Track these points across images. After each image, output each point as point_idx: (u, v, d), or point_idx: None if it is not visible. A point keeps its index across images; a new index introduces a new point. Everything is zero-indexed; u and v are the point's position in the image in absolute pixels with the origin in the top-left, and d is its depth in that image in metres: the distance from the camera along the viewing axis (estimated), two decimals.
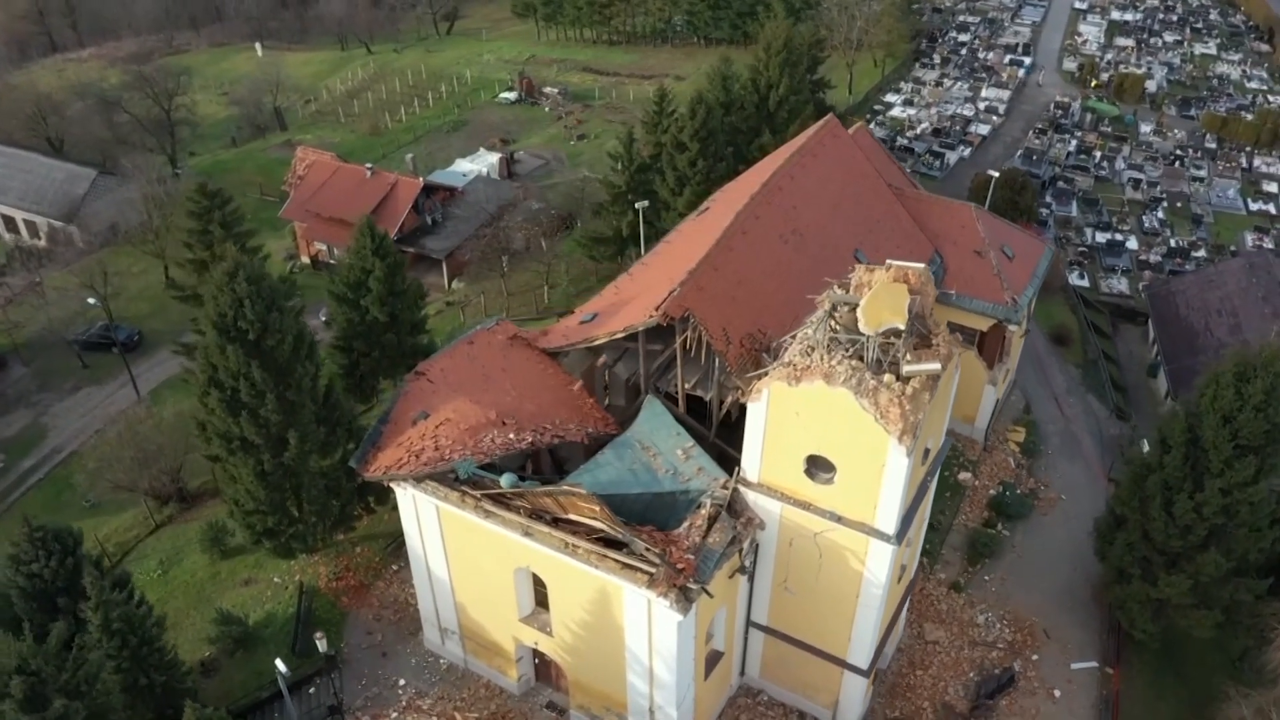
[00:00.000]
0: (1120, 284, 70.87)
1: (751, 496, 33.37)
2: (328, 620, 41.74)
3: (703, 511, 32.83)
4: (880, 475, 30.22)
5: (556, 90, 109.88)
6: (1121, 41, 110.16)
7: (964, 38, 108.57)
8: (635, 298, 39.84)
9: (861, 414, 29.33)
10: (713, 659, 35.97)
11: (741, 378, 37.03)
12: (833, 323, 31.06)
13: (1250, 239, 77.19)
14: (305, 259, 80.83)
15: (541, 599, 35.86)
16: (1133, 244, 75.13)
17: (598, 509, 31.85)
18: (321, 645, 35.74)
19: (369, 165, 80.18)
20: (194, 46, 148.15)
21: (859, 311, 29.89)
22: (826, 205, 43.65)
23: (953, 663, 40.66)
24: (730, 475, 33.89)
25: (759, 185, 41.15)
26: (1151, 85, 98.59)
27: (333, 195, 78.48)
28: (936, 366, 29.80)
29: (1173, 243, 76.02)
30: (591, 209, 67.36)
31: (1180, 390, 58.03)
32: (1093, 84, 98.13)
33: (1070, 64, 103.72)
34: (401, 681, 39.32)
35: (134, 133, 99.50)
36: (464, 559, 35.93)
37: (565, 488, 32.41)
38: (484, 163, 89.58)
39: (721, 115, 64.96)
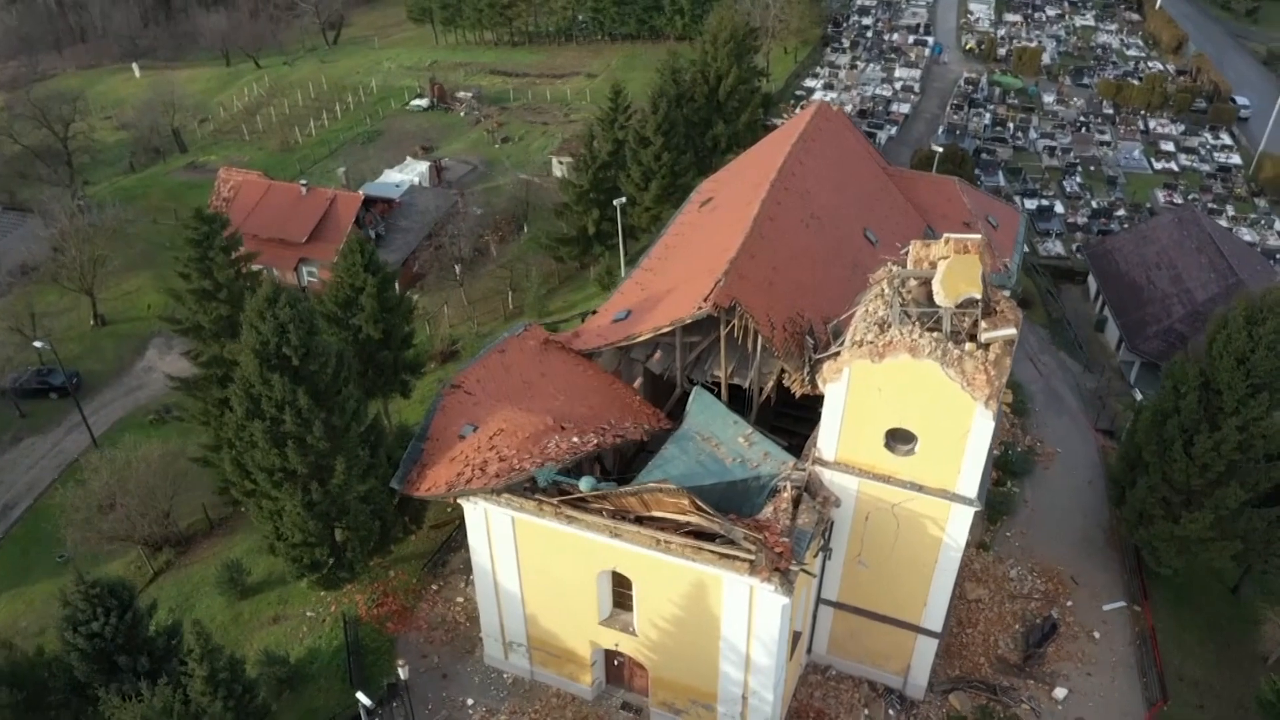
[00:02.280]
0: (1056, 246, 74.57)
1: (827, 475, 33.94)
2: (376, 648, 40.50)
3: (785, 494, 33.22)
4: (964, 441, 31.21)
5: (470, 94, 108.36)
6: (1010, 17, 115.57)
7: (867, 21, 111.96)
8: (670, 291, 39.87)
9: (947, 383, 30.23)
10: (792, 640, 36.44)
11: (789, 362, 37.72)
12: (902, 298, 31.90)
13: (1161, 196, 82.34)
14: None
15: (620, 600, 35.65)
16: (1060, 208, 79.09)
17: (686, 502, 31.92)
18: (403, 673, 34.63)
19: (303, 182, 77.61)
20: (59, 70, 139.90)
21: (937, 285, 30.77)
22: (833, 187, 44.61)
23: (997, 618, 42.23)
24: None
25: (774, 172, 41.73)
26: (1046, 58, 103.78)
27: (268, 215, 75.67)
28: (1013, 331, 30.96)
29: (1095, 204, 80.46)
30: (554, 210, 66.92)
31: (1135, 341, 61.67)
32: (986, 56, 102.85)
33: (970, 41, 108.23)
34: (470, 701, 38.47)
35: (29, 164, 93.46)
36: (539, 568, 35.38)
37: (652, 485, 32.26)
38: (414, 172, 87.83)
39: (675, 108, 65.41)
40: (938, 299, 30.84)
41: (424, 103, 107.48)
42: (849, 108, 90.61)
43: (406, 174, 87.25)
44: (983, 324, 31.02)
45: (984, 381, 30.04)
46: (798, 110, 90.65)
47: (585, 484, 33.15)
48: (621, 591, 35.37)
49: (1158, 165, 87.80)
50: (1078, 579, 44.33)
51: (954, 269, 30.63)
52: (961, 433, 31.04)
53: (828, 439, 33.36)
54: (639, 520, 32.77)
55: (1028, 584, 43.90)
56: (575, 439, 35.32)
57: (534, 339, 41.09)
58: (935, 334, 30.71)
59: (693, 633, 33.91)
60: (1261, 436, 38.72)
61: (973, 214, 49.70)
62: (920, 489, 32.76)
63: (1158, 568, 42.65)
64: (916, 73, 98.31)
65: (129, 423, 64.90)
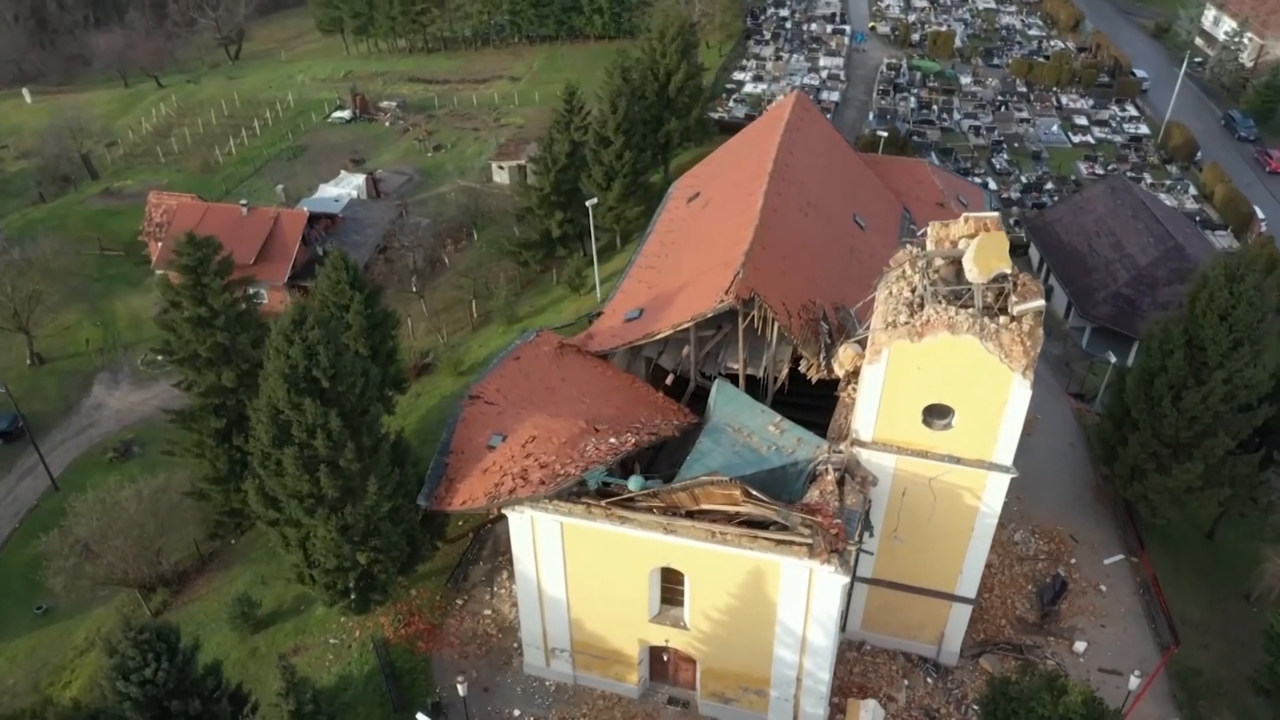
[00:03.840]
0: None
1: (865, 455, 34.74)
2: (411, 669, 39.81)
3: (828, 477, 33.94)
4: (1002, 411, 32.43)
5: (393, 103, 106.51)
6: (918, 3, 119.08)
7: (784, 13, 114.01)
8: (682, 288, 40.21)
9: (986, 357, 31.34)
10: None
11: (806, 348, 38.52)
12: (931, 278, 32.90)
13: (1084, 168, 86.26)
14: None
15: (668, 596, 35.85)
16: (992, 185, 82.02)
17: (738, 493, 32.37)
18: (462, 689, 34.10)
19: (243, 202, 75.18)
20: None
21: (969, 262, 31.77)
22: (821, 175, 45.59)
23: (1010, 580, 43.85)
24: None
25: (770, 163, 42.43)
26: (958, 41, 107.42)
27: None
28: (1042, 303, 32.21)
29: (1024, 180, 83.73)
30: (515, 214, 66.44)
31: (1084, 307, 64.51)
32: (902, 41, 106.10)
33: (882, 26, 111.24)
34: (516, 712, 38.17)
35: None
36: (587, 571, 35.33)
37: (703, 479, 32.60)
38: (350, 185, 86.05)
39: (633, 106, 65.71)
40: (970, 276, 31.87)
41: (346, 114, 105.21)
42: (780, 99, 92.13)
43: (343, 188, 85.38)
44: (1013, 298, 32.21)
45: (1021, 352, 31.24)
46: (731, 103, 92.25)
47: (634, 483, 33.29)
48: (670, 587, 35.59)
49: (1075, 139, 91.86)
50: (1076, 536, 46.32)
51: (985, 246, 31.69)
52: (1000, 404, 32.22)
53: (865, 419, 34.15)
54: (689, 515, 33.11)
55: (1032, 546, 45.67)
56: (613, 440, 35.40)
57: (548, 344, 40.97)
58: (969, 310, 31.77)
59: (747, 620, 34.37)
60: (1244, 387, 41.15)
61: (944, 194, 51.38)
62: (958, 461, 33.85)
63: (1153, 519, 44.92)
64: (840, 61, 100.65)
65: (86, 463, 62.12)
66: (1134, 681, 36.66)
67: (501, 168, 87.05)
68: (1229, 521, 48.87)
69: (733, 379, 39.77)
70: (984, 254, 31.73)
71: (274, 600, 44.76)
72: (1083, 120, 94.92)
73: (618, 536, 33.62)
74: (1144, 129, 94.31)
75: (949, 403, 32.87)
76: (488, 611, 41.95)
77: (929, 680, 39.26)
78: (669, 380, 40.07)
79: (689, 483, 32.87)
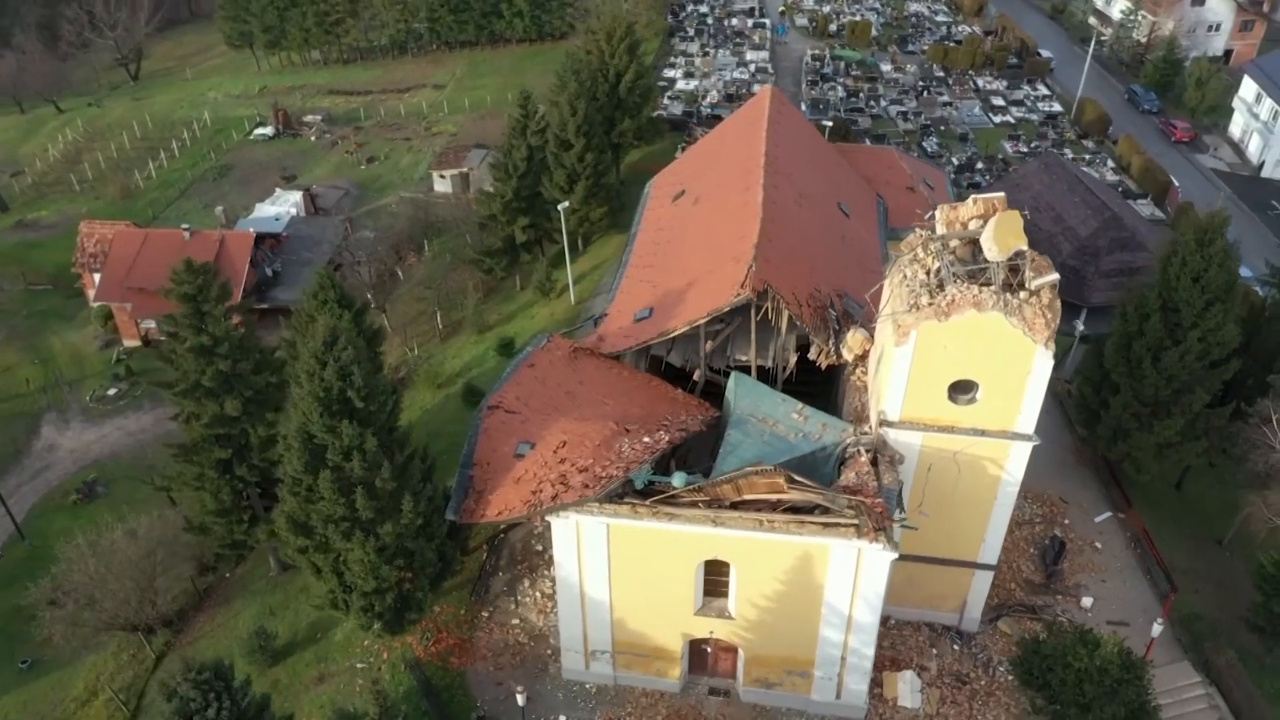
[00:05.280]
0: None
1: (892, 435, 35.83)
2: (447, 686, 39.47)
3: (862, 458, 34.96)
4: (1025, 382, 33.82)
5: (318, 117, 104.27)
6: None
7: (704, 9, 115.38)
8: (691, 284, 40.72)
9: (1010, 331, 32.70)
10: None
11: (817, 336, 39.52)
12: (949, 259, 34.16)
13: (1009, 147, 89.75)
14: (132, 342, 72.12)
15: (711, 588, 36.36)
16: None
17: (781, 480, 33.16)
18: (521, 699, 33.97)
19: (185, 226, 72.75)
20: None
21: (989, 241, 33.07)
22: (806, 166, 46.66)
23: (1012, 545, 45.56)
24: None
25: (762, 157, 43.26)
26: (874, 30, 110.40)
27: (154, 266, 70.29)
28: (1056, 276, 33.73)
29: (955, 161, 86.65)
30: (477, 222, 65.90)
31: None
32: (821, 32, 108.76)
33: (801, 20, 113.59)
34: (562, 717, 38.21)
35: None
36: (631, 571, 35.57)
37: (747, 469, 33.27)
38: (287, 203, 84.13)
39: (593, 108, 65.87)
40: (990, 254, 33.17)
41: (269, 130, 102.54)
42: (714, 94, 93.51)
43: (281, 206, 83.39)
44: (1028, 273, 33.66)
45: (1043, 324, 32.70)
46: (665, 100, 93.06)
47: (679, 479, 33.71)
48: (712, 579, 36.11)
49: (996, 119, 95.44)
50: (1065, 498, 48.48)
51: (1002, 225, 33.04)
52: (1024, 375, 33.61)
53: (893, 400, 35.19)
54: (732, 506, 33.71)
55: (1026, 510, 47.59)
56: (646, 439, 35.78)
57: (561, 349, 41.06)
58: (991, 288, 33.09)
59: (793, 604, 35.13)
60: (1217, 344, 43.70)
61: (912, 178, 53.07)
62: (982, 433, 35.20)
63: (1137, 476, 47.32)
64: (765, 54, 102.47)
65: (47, 508, 59.55)
66: (1157, 628, 38.69)
67: (443, 176, 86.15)
68: (1193, 474, 51.70)
69: (742, 371, 40.49)
70: (1002, 232, 33.08)
71: (287, 630, 43.81)
72: (1000, 101, 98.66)
73: (663, 534, 34.01)
74: (1057, 107, 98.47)
75: (974, 378, 34.15)
76: (515, 621, 41.81)
77: (955, 647, 40.70)
78: (697, 376, 40.56)
79: (733, 474, 33.47)
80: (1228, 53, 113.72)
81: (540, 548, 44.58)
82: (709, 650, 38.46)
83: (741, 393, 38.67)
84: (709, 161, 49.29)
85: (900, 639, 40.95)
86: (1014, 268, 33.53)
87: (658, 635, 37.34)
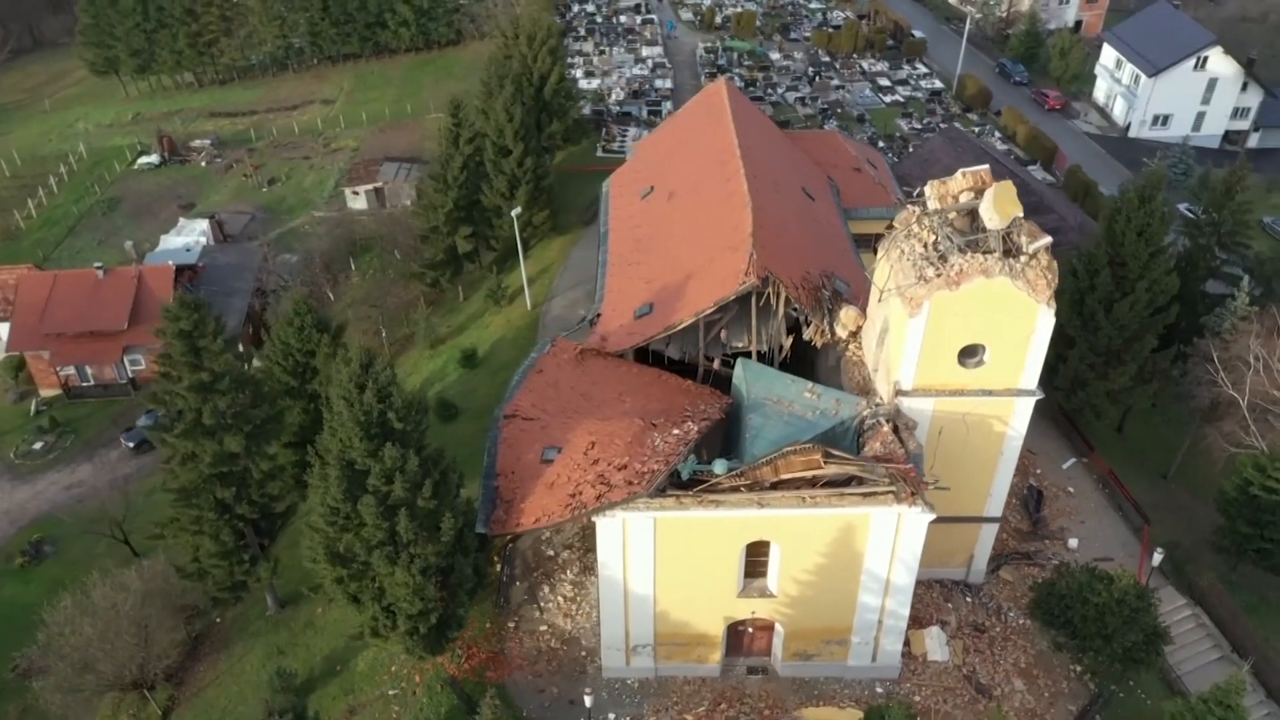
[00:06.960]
0: None
1: (907, 403, 37.51)
2: (489, 700, 39.08)
3: (884, 428, 36.53)
4: (1029, 341, 35.99)
5: (206, 141, 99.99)
6: None
7: (590, 8, 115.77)
8: (690, 276, 41.46)
9: (1016, 293, 34.78)
10: None
11: (814, 316, 40.93)
12: (949, 230, 36.01)
13: (904, 124, 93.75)
14: (51, 391, 67.97)
15: (750, 569, 37.22)
16: None
17: (818, 457, 34.42)
18: (589, 700, 34.01)
19: (98, 265, 68.86)
20: None
21: (989, 210, 35.00)
22: (770, 155, 47.99)
23: None
24: None
25: (736, 149, 44.31)
26: (758, 20, 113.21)
27: (69, 309, 66.84)
28: (1049, 238, 35.97)
29: (858, 140, 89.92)
30: (419, 235, 64.69)
31: None
32: (708, 25, 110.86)
33: (686, 14, 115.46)
34: (611, 716, 38.48)
35: None
36: (676, 562, 36.09)
37: (785, 450, 34.39)
38: (195, 232, 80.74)
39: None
40: (990, 224, 35.14)
41: (155, 159, 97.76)
42: (618, 91, 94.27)
43: (188, 236, 79.88)
44: (1024, 238, 35.79)
45: (1045, 285, 34.90)
46: (583, 102, 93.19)
47: (720, 466, 34.57)
48: (753, 560, 37.00)
49: (886, 99, 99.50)
50: (1033, 450, 51.43)
51: (999, 195, 35.06)
52: (1028, 334, 35.77)
53: (906, 369, 36.84)
54: (773, 486, 34.74)
55: None
56: (676, 431, 36.45)
57: (566, 352, 41.20)
58: (993, 254, 35.07)
59: (833, 575, 36.38)
60: (1162, 292, 47.30)
61: (858, 159, 55.18)
62: (989, 393, 37.25)
63: (1098, 421, 50.67)
64: (659, 49, 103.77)
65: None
66: (1158, 557, 41.73)
67: (356, 193, 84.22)
68: (1132, 416, 55.63)
69: (739, 357, 41.48)
70: (1000, 202, 35.11)
71: (303, 667, 42.52)
72: (886, 81, 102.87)
73: (708, 521, 34.72)
74: (938, 83, 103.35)
75: (983, 341, 36.12)
76: (544, 627, 41.76)
77: (967, 599, 42.85)
78: (715, 363, 41.36)
79: (773, 456, 34.53)
80: (1078, 23, 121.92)
81: (551, 553, 44.59)
82: (746, 631, 39.36)
83: (751, 378, 39.70)
84: (672, 157, 50.09)
85: (916, 599, 42.41)
86: (1006, 234, 35.61)
87: (700, 622, 38.04)
